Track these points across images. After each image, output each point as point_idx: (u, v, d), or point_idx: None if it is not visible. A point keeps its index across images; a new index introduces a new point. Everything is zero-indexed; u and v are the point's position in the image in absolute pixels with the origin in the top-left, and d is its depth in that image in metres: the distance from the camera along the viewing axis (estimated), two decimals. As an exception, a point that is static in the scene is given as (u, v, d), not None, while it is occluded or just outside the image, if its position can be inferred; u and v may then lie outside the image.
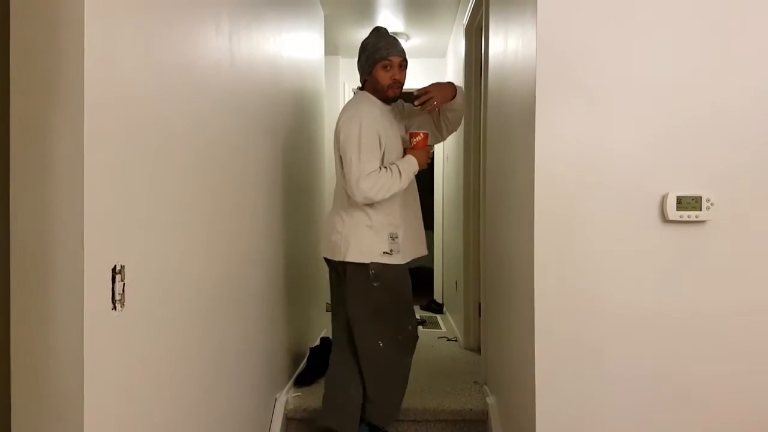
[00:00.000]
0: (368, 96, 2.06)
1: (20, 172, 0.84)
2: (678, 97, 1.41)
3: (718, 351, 1.42)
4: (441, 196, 4.69)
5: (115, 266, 0.91)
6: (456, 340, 3.38)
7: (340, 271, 2.06)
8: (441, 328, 3.80)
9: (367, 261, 1.95)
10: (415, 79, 4.76)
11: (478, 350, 3.04)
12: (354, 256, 1.95)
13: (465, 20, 3.17)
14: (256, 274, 1.90)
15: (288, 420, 2.24)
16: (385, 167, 1.94)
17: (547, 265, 1.43)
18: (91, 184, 0.84)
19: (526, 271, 1.52)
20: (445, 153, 4.46)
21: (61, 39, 0.83)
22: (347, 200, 1.98)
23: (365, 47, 2.09)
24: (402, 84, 2.05)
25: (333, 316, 2.19)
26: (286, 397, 2.27)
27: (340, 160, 1.96)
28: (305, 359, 2.72)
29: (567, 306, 1.43)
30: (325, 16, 3.69)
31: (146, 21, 1.04)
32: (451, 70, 4.05)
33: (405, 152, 2.04)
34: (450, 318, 4.08)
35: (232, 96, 1.58)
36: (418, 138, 2.03)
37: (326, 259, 2.12)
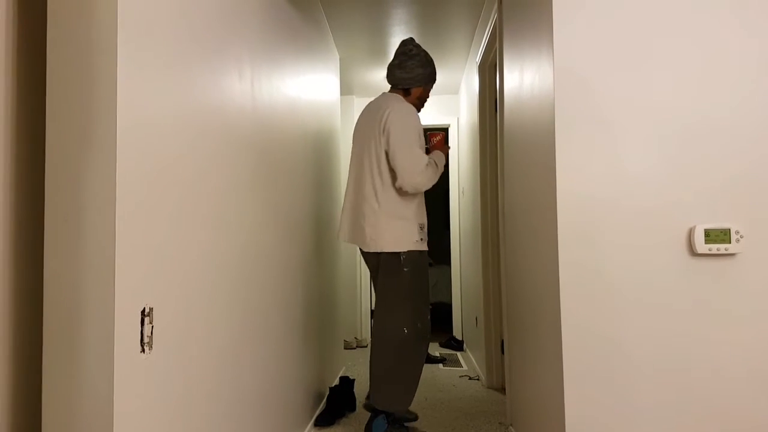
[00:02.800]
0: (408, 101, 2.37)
1: (54, 217, 0.86)
2: (700, 127, 1.41)
3: (758, 393, 1.36)
4: (457, 231, 4.68)
5: (144, 308, 0.91)
6: (478, 379, 3.30)
7: (373, 260, 2.31)
8: (462, 366, 3.72)
9: (403, 250, 2.18)
10: (429, 115, 4.85)
11: (502, 390, 2.96)
12: (389, 246, 2.18)
13: (478, 58, 3.23)
14: (276, 315, 1.89)
15: (309, 464, 2.18)
16: (428, 162, 2.25)
17: (573, 302, 1.40)
18: (122, 228, 0.86)
19: (551, 308, 1.49)
20: (461, 187, 4.47)
21: (95, 88, 0.86)
22: (384, 191, 2.20)
23: (431, 62, 2.37)
24: None
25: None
26: (307, 440, 2.22)
27: (384, 151, 2.20)
28: (325, 399, 2.67)
29: (596, 344, 1.39)
30: (340, 59, 3.79)
31: (175, 71, 1.07)
32: (465, 106, 4.10)
33: (428, 151, 2.39)
34: (471, 356, 3.99)
35: (254, 139, 1.62)
36: (438, 138, 2.36)
37: (362, 250, 2.34)
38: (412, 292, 2.20)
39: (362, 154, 2.28)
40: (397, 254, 2.19)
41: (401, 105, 2.24)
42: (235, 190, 1.43)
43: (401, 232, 2.18)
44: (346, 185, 2.54)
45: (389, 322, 2.19)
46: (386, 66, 3.98)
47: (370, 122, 2.30)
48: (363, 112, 2.43)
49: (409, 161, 2.14)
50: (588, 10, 1.44)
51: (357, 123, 2.44)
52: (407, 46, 2.38)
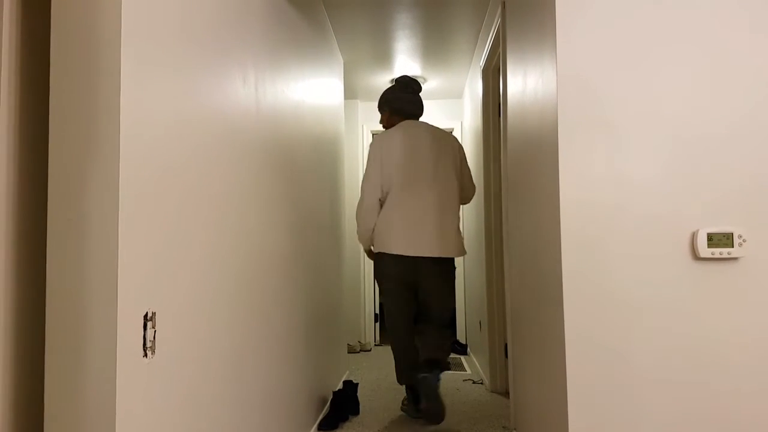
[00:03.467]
0: None
1: (56, 221, 0.87)
2: (703, 131, 1.40)
3: (764, 397, 1.35)
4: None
5: (147, 313, 0.92)
6: (482, 383, 3.29)
7: (425, 267, 2.50)
8: (466, 370, 3.71)
9: (460, 255, 2.58)
10: (433, 119, 4.85)
11: (505, 393, 2.95)
12: (458, 252, 2.54)
13: (482, 62, 3.24)
14: (279, 318, 1.89)
15: (312, 468, 2.17)
16: None
17: (576, 306, 1.40)
18: (125, 232, 0.86)
19: (555, 313, 1.49)
20: (465, 191, 4.46)
21: (98, 92, 0.87)
22: (456, 203, 2.58)
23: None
24: None
25: (403, 321, 2.64)
26: (310, 444, 2.22)
27: (456, 168, 2.61)
28: (328, 403, 2.66)
29: (599, 349, 1.39)
30: (344, 63, 3.81)
31: (178, 75, 1.08)
32: (468, 110, 4.10)
33: None
34: (474, 359, 3.98)
35: (258, 143, 1.63)
36: None
37: (415, 258, 2.53)
38: (453, 290, 2.65)
39: (427, 170, 2.53)
40: (452, 259, 2.58)
41: (444, 131, 2.66)
42: (238, 194, 1.44)
43: (461, 239, 2.58)
44: (392, 198, 2.55)
45: (444, 312, 2.57)
46: (388, 69, 3.99)
47: (431, 141, 2.57)
48: (409, 130, 2.59)
49: (472, 179, 2.72)
50: (591, 14, 1.44)
51: (402, 139, 2.57)
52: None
